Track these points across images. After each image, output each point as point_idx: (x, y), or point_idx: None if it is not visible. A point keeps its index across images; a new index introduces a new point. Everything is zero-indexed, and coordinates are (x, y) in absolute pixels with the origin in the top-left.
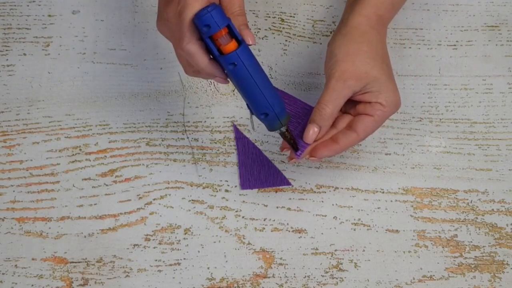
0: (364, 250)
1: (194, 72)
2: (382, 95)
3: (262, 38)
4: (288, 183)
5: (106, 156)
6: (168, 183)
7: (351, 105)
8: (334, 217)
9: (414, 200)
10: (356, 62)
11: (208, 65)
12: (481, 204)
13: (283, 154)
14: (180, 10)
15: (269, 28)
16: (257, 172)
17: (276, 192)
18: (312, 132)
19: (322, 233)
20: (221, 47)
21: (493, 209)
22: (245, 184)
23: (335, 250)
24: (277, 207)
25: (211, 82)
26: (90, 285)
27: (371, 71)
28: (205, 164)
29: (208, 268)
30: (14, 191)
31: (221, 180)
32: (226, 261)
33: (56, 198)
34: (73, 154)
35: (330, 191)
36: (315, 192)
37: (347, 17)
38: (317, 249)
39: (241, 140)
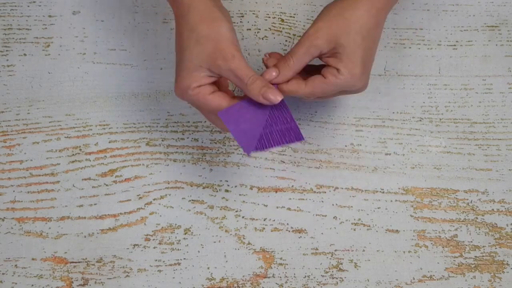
0: (364, 250)
1: None
2: (341, 64)
3: (262, 38)
4: (299, 137)
5: (106, 156)
6: (168, 183)
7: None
8: (334, 217)
9: (414, 200)
10: (331, 24)
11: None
12: (481, 204)
13: (284, 154)
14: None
15: (269, 28)
16: (254, 129)
17: (276, 192)
18: (269, 75)
19: (322, 233)
20: None
21: (493, 209)
22: (247, 145)
23: (335, 250)
24: (277, 207)
25: None
26: (90, 285)
27: (342, 37)
28: (205, 164)
29: (208, 268)
30: (14, 191)
31: (221, 180)
32: (226, 261)
33: (56, 198)
34: (73, 154)
35: (330, 191)
36: (315, 192)
37: None
38: (317, 249)
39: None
